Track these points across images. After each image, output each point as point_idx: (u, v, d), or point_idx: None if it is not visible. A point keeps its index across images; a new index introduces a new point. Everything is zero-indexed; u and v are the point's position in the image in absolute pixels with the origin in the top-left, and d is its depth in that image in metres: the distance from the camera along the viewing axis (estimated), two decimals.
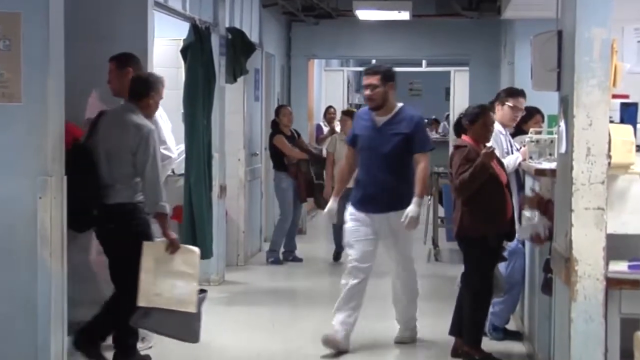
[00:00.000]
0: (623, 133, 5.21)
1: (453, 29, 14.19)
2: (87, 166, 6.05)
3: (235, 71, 10.08)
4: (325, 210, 7.31)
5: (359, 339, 7.20)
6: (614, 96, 5.77)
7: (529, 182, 7.09)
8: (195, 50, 8.63)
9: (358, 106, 20.87)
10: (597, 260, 4.78)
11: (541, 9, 6.64)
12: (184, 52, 8.70)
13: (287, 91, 14.50)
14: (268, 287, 9.73)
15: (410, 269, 7.27)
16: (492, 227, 6.51)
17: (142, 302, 6.03)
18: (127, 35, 7.29)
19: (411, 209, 6.87)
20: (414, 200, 6.89)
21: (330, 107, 14.58)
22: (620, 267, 4.89)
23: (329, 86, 18.05)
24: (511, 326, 7.53)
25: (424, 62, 17.02)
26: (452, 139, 7.57)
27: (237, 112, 10.79)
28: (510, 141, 7.39)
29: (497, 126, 7.19)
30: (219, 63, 9.45)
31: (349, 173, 7.36)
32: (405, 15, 12.69)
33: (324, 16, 14.18)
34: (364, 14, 12.86)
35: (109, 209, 6.12)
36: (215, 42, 9.28)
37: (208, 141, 8.88)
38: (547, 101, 8.10)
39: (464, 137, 6.68)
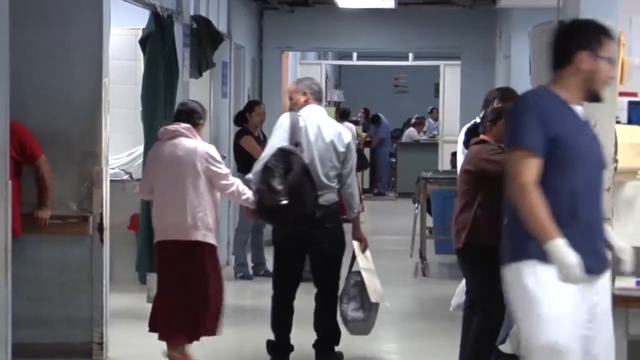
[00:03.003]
0: (631, 135, 5.23)
1: (443, 18, 14.24)
2: (303, 168, 6.91)
3: (200, 64, 10.07)
4: None
5: None
6: (621, 94, 5.80)
7: None
8: (156, 40, 8.61)
9: (337, 104, 20.93)
10: None
11: None
12: (143, 42, 8.67)
13: (259, 87, 14.49)
14: (235, 306, 9.68)
15: None
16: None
17: (373, 298, 7.08)
18: (79, 22, 7.27)
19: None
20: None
21: None
22: (627, 283, 4.92)
23: None
24: (506, 348, 7.55)
25: (410, 55, 17.06)
26: (460, 149, 7.48)
27: None
28: None
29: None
30: (183, 55, 9.43)
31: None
32: (390, 3, 12.73)
33: (300, 4, 14.19)
34: (344, 2, 12.90)
35: (324, 210, 6.95)
36: (178, 31, 9.26)
37: None
38: None
39: (482, 137, 6.65)
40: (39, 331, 7.25)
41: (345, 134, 7.12)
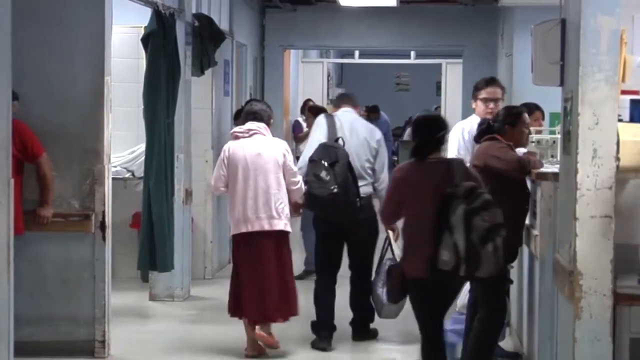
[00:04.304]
0: (633, 133, 5.23)
1: (445, 16, 14.24)
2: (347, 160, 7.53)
3: (202, 63, 10.06)
4: None
5: None
6: (623, 92, 5.80)
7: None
8: (158, 38, 8.61)
9: None
10: (604, 274, 4.80)
11: None
12: (145, 40, 8.68)
13: (261, 85, 14.49)
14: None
15: None
16: (508, 235, 6.47)
17: None
18: (82, 20, 7.27)
19: None
20: None
21: (308, 100, 14.57)
22: (629, 281, 4.91)
23: (307, 80, 18.07)
24: (507, 345, 7.54)
25: (412, 53, 17.08)
26: (454, 147, 7.45)
27: (205, 108, 10.77)
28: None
29: (466, 124, 7.36)
30: (184, 53, 9.43)
31: None
32: (392, 1, 12.73)
33: (302, 2, 14.19)
34: (346, 0, 12.88)
35: (363, 200, 7.63)
36: (180, 30, 9.26)
37: (170, 141, 8.87)
38: (549, 97, 8.16)
39: (497, 136, 6.63)
40: (41, 329, 7.26)
41: (376, 131, 7.99)
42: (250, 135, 7.44)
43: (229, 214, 7.54)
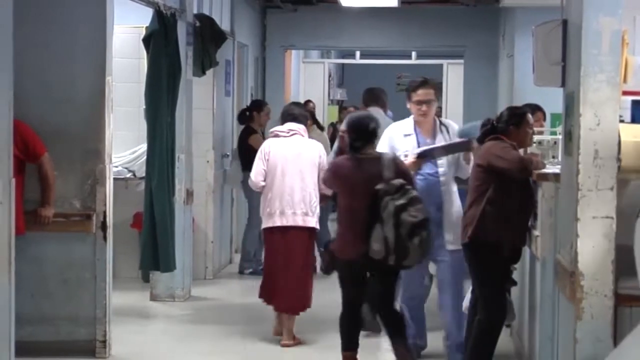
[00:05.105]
0: (634, 134, 5.24)
1: (446, 17, 14.23)
2: None
3: (203, 63, 10.06)
4: None
5: None
6: (625, 93, 5.81)
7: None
8: (159, 39, 8.61)
9: (340, 102, 20.92)
10: (606, 274, 4.81)
11: None
12: (147, 41, 8.68)
13: (262, 85, 14.49)
14: (240, 304, 9.71)
15: None
16: (511, 235, 6.49)
17: None
18: (83, 21, 7.27)
19: None
20: None
21: (308, 101, 14.57)
22: (631, 282, 4.91)
23: (308, 80, 18.05)
24: (509, 348, 7.54)
25: (413, 53, 17.06)
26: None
27: (206, 108, 10.77)
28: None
29: (400, 128, 7.32)
30: (186, 54, 9.43)
31: None
32: (393, 2, 12.72)
33: (303, 2, 14.19)
34: (347, 0, 12.87)
35: None
36: (181, 30, 9.26)
37: (172, 141, 8.87)
38: (550, 98, 8.16)
39: (501, 136, 6.63)
40: (42, 329, 7.26)
41: None
42: (291, 135, 7.94)
43: (262, 207, 7.91)
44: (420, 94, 7.29)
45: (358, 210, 6.51)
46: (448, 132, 7.27)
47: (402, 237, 6.33)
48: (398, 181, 6.47)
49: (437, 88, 7.41)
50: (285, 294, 7.82)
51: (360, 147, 6.71)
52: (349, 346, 6.79)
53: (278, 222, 7.78)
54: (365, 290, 6.72)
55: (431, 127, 7.28)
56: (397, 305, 7.05)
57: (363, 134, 6.73)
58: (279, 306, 7.93)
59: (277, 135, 8.00)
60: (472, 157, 6.99)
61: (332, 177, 6.84)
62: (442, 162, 7.16)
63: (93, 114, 7.30)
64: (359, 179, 6.60)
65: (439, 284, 7.26)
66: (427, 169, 7.11)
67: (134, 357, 7.51)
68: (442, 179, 7.16)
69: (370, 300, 6.75)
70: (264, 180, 7.84)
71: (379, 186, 6.45)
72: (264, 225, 7.90)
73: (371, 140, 6.76)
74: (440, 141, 7.17)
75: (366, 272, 6.66)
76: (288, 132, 7.97)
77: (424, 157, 7.03)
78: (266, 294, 7.98)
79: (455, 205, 7.18)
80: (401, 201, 6.38)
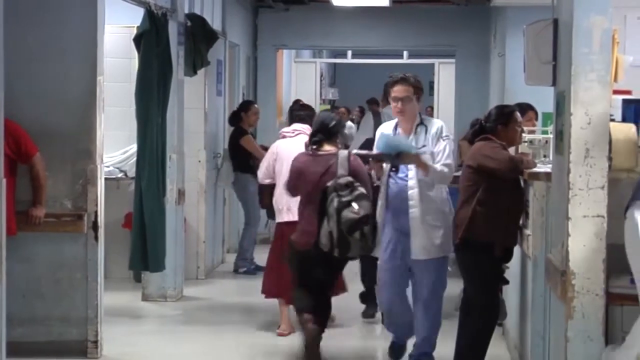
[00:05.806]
0: (625, 132, 5.23)
1: (438, 16, 14.24)
2: None
3: (195, 62, 10.05)
4: None
5: None
6: (615, 92, 5.80)
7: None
8: (150, 38, 8.60)
9: (332, 102, 20.92)
10: (597, 273, 4.81)
11: None
12: (138, 40, 8.66)
13: (253, 85, 14.48)
14: (232, 303, 9.70)
15: None
16: (502, 235, 6.49)
17: None
18: (74, 20, 7.26)
19: None
20: None
21: (298, 100, 14.55)
22: (622, 281, 4.92)
23: (300, 80, 18.04)
24: (500, 347, 7.54)
25: (405, 53, 17.06)
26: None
27: (197, 108, 10.76)
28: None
29: (386, 127, 7.20)
30: (177, 53, 9.42)
31: None
32: (384, 1, 12.73)
33: (295, 2, 14.18)
34: (339, 0, 12.87)
35: None
36: (172, 29, 9.25)
37: (162, 141, 8.85)
38: (541, 97, 8.17)
39: (490, 136, 6.62)
40: (34, 329, 7.24)
41: None
42: (295, 135, 8.26)
43: (275, 203, 8.20)
44: (396, 90, 7.04)
45: (312, 203, 6.87)
46: (426, 132, 6.95)
47: (344, 232, 6.63)
48: (346, 179, 6.74)
49: (419, 86, 7.10)
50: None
51: (318, 142, 7.07)
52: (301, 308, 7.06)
53: (286, 217, 8.02)
54: (312, 276, 7.00)
55: (411, 125, 7.01)
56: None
57: (323, 130, 7.08)
58: (289, 298, 7.86)
59: (284, 137, 8.37)
60: (431, 170, 6.75)
61: (291, 171, 7.13)
62: (412, 166, 6.85)
63: (84, 114, 7.29)
64: (313, 174, 6.95)
65: (412, 292, 7.13)
66: (400, 172, 6.90)
67: (125, 357, 7.50)
68: (410, 182, 6.85)
69: (313, 287, 6.98)
70: (271, 179, 8.21)
71: (329, 183, 6.76)
72: (277, 220, 8.28)
73: (331, 138, 7.09)
74: (414, 142, 6.89)
75: (317, 261, 6.90)
76: (293, 132, 8.32)
77: (381, 160, 6.93)
78: (274, 289, 8.15)
79: (432, 211, 6.86)
80: (347, 198, 6.66)
